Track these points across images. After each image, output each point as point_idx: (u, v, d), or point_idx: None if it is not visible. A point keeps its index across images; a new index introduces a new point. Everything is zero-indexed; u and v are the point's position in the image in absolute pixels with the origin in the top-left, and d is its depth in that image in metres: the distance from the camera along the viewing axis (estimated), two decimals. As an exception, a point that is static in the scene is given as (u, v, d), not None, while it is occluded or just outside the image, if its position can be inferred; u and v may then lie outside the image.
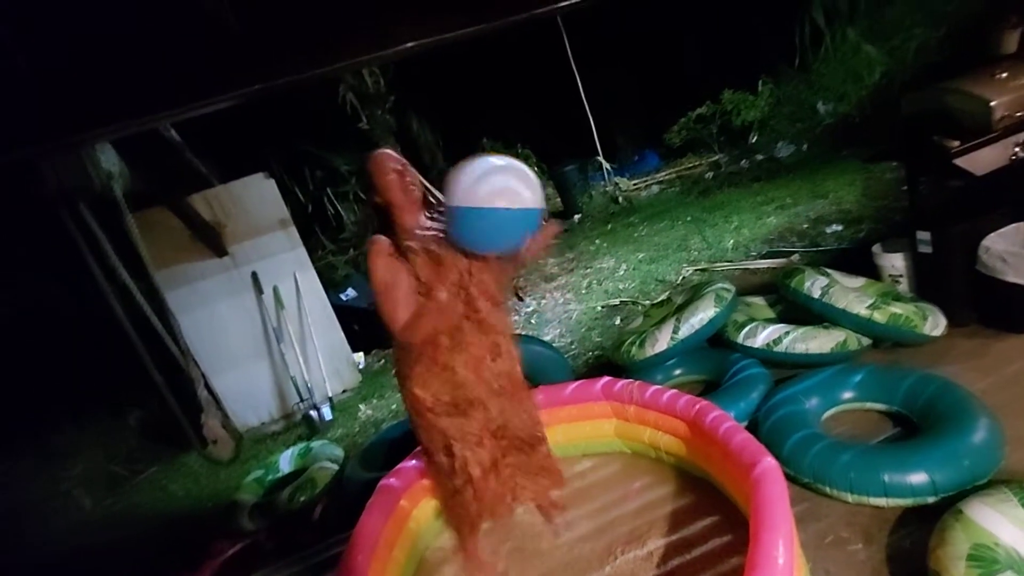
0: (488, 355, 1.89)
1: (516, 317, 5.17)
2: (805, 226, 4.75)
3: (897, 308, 2.51)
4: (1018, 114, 2.44)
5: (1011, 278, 2.35)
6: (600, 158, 8.28)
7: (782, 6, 7.47)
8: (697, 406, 2.10)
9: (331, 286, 5.04)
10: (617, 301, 4.67)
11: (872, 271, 2.96)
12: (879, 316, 2.49)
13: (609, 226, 7.11)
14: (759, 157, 7.31)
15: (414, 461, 2.30)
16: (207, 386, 4.22)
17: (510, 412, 1.97)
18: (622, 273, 5.31)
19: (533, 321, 4.97)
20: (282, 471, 3.58)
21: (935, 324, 2.50)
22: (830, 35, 7.50)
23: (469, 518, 1.95)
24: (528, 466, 2.04)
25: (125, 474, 4.60)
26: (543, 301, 5.36)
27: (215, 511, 3.60)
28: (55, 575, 3.63)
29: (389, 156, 1.86)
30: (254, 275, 4.55)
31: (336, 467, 3.30)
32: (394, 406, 4.26)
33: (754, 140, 7.75)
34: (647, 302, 4.30)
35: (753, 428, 2.25)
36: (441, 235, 1.81)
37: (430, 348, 1.81)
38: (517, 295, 5.68)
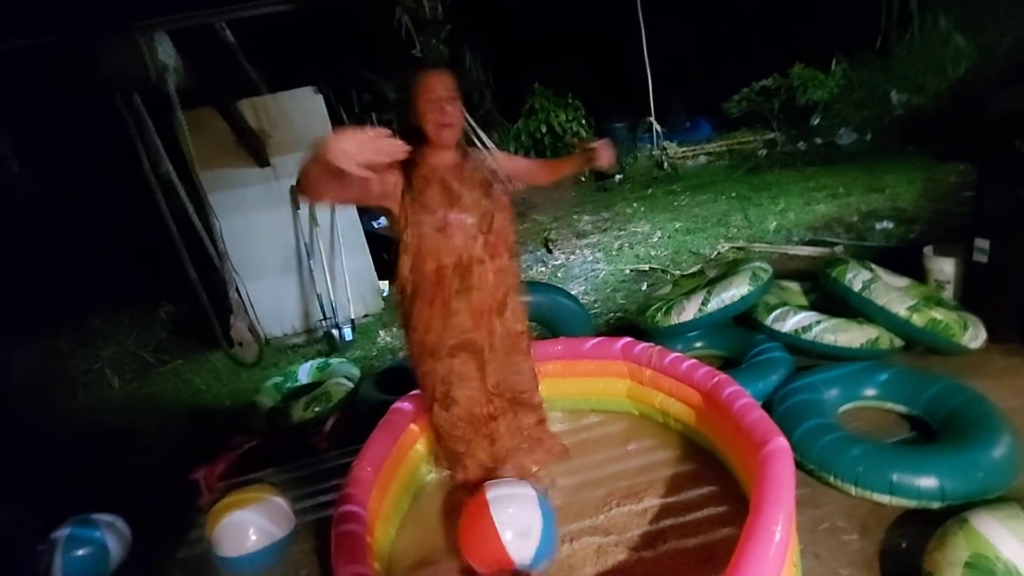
0: (494, 308, 1.89)
1: (543, 269, 5.17)
2: (855, 218, 4.59)
3: (938, 314, 2.43)
4: (1114, 128, 2.28)
5: (1066, 300, 2.26)
6: (652, 119, 8.01)
7: (873, -20, 7.04)
8: (716, 378, 2.10)
9: (364, 211, 5.05)
10: (647, 267, 4.62)
11: (917, 274, 2.86)
12: (918, 319, 2.42)
13: (650, 191, 6.96)
14: (818, 141, 7.01)
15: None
16: (239, 290, 4.34)
17: (507, 370, 1.99)
18: (656, 240, 5.23)
19: (559, 275, 4.96)
20: (300, 381, 3.72)
21: (974, 336, 2.43)
22: (919, 20, 7.02)
23: (466, 462, 2.05)
24: (520, 429, 2.11)
25: (153, 362, 4.82)
26: (572, 256, 5.33)
27: (233, 409, 3.78)
28: (81, 445, 3.87)
29: (440, 81, 1.74)
30: (292, 189, 4.59)
31: (351, 385, 3.41)
32: (413, 337, 4.34)
33: (816, 122, 7.41)
34: (677, 272, 4.24)
35: (766, 410, 2.25)
36: (471, 178, 1.81)
37: (436, 289, 1.80)
38: (547, 247, 5.66)
